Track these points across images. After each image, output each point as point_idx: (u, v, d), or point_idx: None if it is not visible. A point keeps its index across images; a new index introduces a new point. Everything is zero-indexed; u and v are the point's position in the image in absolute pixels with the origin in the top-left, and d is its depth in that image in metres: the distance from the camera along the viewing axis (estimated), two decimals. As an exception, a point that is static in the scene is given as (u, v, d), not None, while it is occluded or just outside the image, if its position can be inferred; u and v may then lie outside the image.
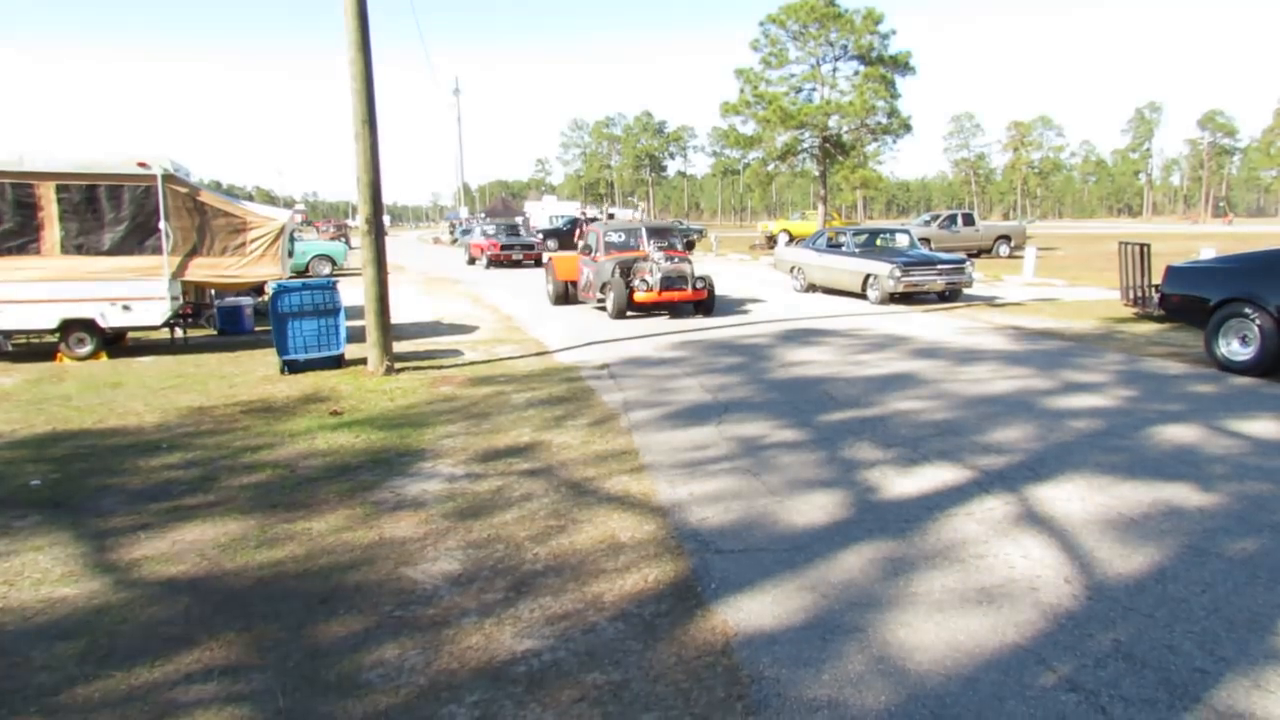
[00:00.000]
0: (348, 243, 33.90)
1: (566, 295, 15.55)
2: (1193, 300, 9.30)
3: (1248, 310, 8.48)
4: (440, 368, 9.37)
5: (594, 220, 35.61)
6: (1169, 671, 3.08)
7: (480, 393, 8.04)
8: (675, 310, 14.21)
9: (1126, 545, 4.20)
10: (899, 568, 3.99)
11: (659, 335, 11.68)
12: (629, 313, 13.85)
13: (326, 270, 24.08)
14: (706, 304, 13.81)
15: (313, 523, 4.67)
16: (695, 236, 53.03)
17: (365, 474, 5.54)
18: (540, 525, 4.60)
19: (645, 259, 13.67)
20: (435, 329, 12.88)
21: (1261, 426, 6.49)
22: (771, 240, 38.75)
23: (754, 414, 7.09)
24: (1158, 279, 10.93)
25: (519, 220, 43.42)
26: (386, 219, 10.28)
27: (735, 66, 38.74)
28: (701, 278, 13.73)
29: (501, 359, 9.98)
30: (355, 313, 11.13)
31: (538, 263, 26.67)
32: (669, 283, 13.22)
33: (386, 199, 9.98)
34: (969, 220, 30.16)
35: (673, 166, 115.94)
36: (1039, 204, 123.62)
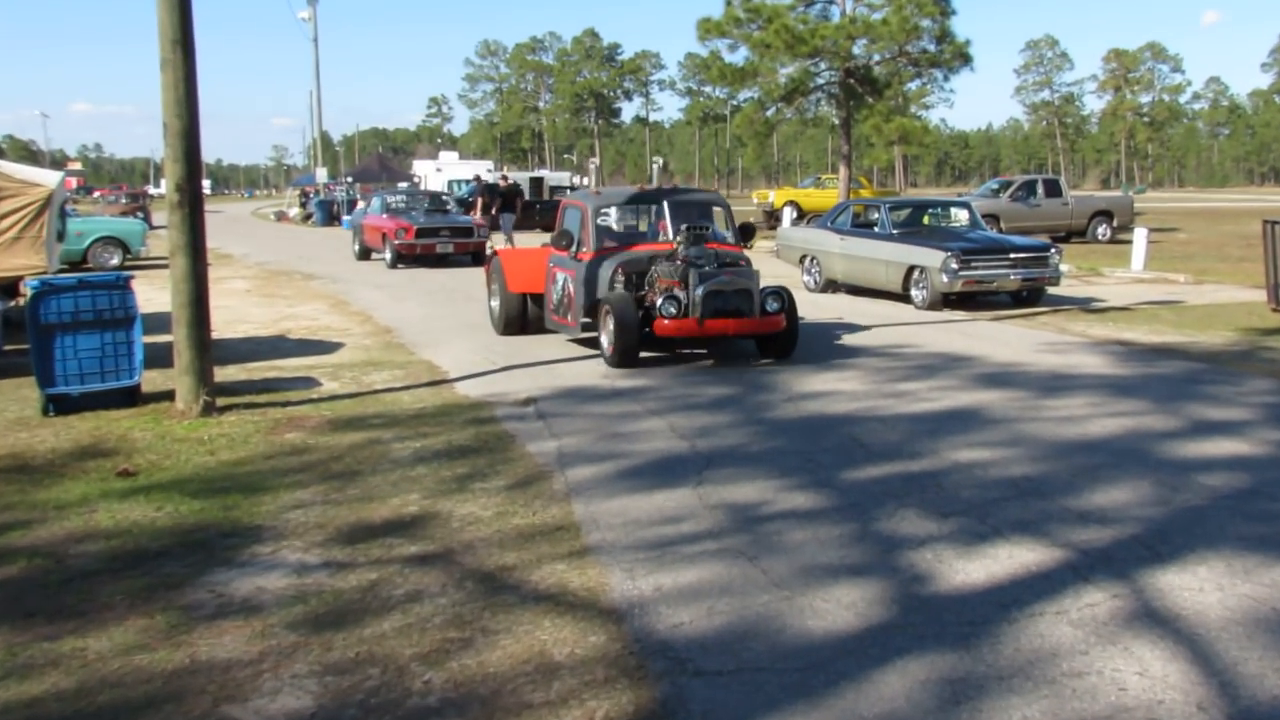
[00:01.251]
0: (148, 220, 33.61)
1: (524, 318, 13.27)
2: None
3: None
4: (285, 404, 9.27)
5: (509, 185, 33.28)
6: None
7: (345, 441, 7.96)
8: (724, 347, 12.04)
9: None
10: (962, 693, 3.99)
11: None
12: (644, 353, 11.39)
13: (115, 261, 23.77)
14: (783, 340, 11.39)
15: (89, 640, 4.55)
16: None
17: (171, 565, 5.43)
18: (434, 639, 4.53)
19: (672, 259, 11.15)
20: (278, 347, 12.76)
21: None
22: (774, 216, 39.11)
23: (750, 470, 7.10)
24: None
25: (553, 185, 42.52)
26: (206, 184, 9.83)
27: (720, -33, 39.23)
28: (776, 292, 11.12)
29: (377, 391, 9.91)
30: (159, 324, 10.97)
31: (477, 258, 23.24)
32: (719, 302, 10.67)
33: (208, 155, 9.89)
34: (1054, 189, 30.82)
35: (629, 110, 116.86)
36: (1151, 166, 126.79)
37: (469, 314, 15.66)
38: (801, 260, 18.69)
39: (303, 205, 56.52)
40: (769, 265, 22.02)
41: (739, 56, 38.99)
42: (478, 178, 43.42)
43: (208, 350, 8.99)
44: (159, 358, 10.09)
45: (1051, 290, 16.54)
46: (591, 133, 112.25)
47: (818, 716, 3.86)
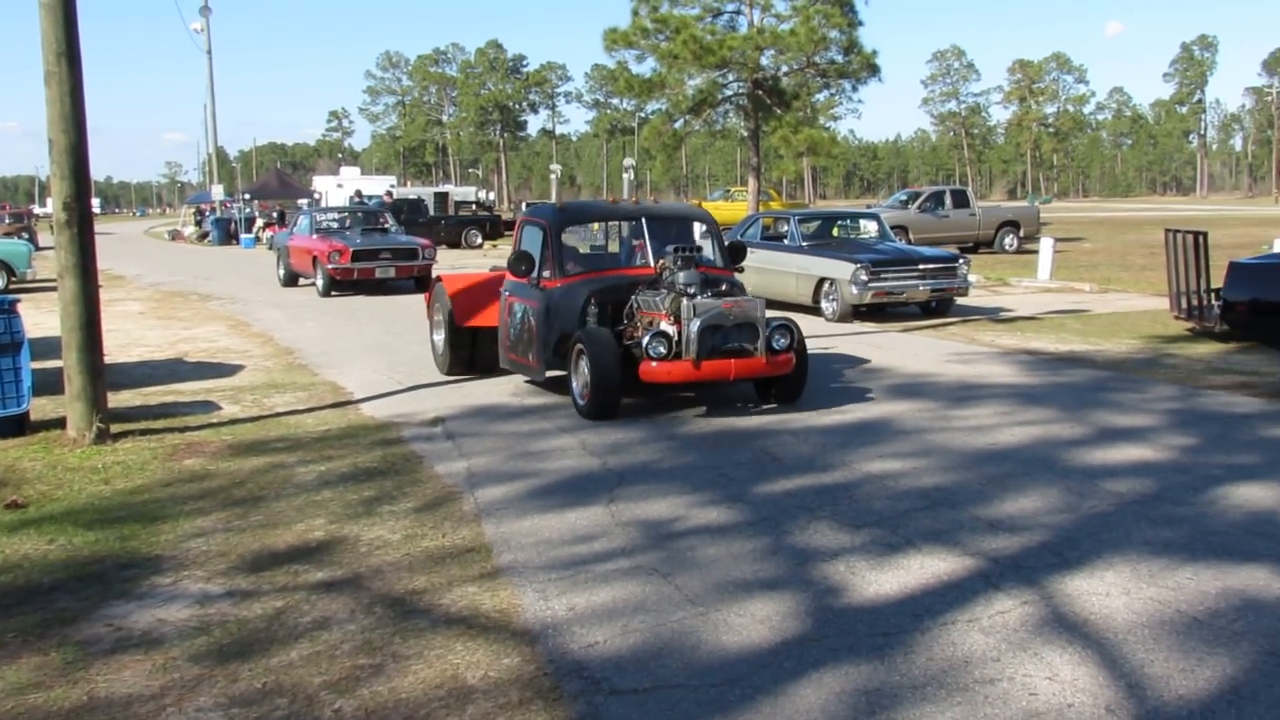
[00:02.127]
0: (33, 241, 32.78)
1: (473, 356, 11.53)
2: (1266, 309, 9.94)
3: (1339, 321, 9.11)
4: (184, 429, 9.13)
5: (393, 201, 32.28)
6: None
7: (247, 466, 7.86)
8: (719, 390, 10.27)
9: (1189, 655, 4.42)
10: (877, 703, 4.07)
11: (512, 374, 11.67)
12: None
13: (0, 284, 23.16)
14: (791, 383, 9.70)
15: (-19, 678, 4.45)
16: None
17: (65, 599, 5.32)
18: (344, 666, 4.50)
19: (656, 286, 9.57)
20: (175, 370, 12.54)
21: (1363, 483, 6.95)
22: (682, 231, 39.26)
23: (662, 486, 7.17)
24: (1219, 281, 11.64)
25: (383, 199, 41.58)
26: (96, 203, 9.41)
27: (626, -23, 39.42)
28: (783, 326, 9.29)
29: (279, 414, 9.79)
30: (49, 349, 10.73)
31: (421, 282, 20.65)
32: (718, 339, 8.93)
33: (97, 172, 9.72)
34: (961, 200, 31.47)
35: (535, 123, 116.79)
36: (1056, 176, 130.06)
37: (373, 333, 15.55)
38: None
39: (198, 224, 55.54)
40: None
41: (646, 68, 39.25)
42: (389, 193, 43.18)
43: (101, 375, 8.81)
44: (49, 384, 9.88)
45: (960, 301, 16.90)
46: (497, 146, 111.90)
47: (734, 731, 3.92)
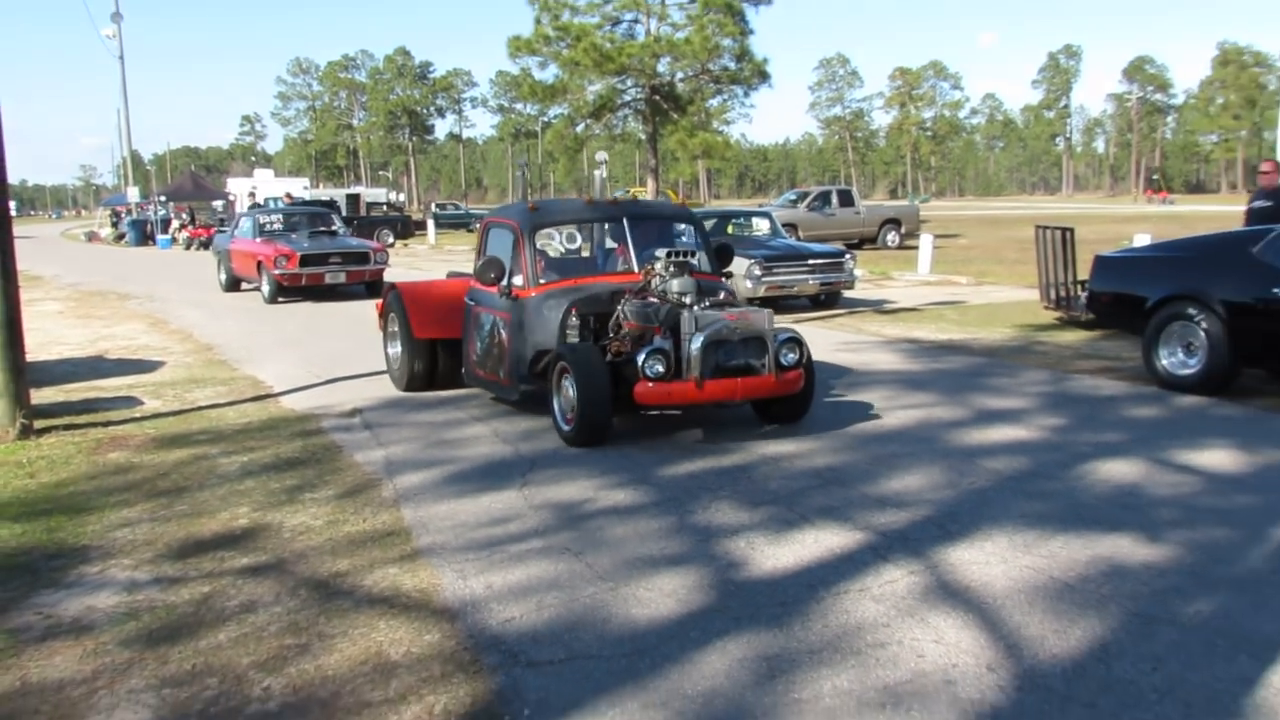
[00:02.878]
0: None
1: (433, 369, 9.98)
2: (1126, 300, 10.28)
3: (1192, 310, 9.45)
4: (107, 424, 8.92)
5: (291, 203, 31.18)
6: (1118, 774, 3.39)
7: (171, 458, 7.71)
8: (719, 410, 8.79)
9: (1061, 617, 4.58)
10: (777, 668, 4.16)
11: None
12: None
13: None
14: (797, 402, 8.24)
15: (-89, 668, 4.32)
16: (476, 225, 53.27)
17: (-6, 588, 5.18)
18: (271, 646, 4.47)
19: (643, 295, 8.08)
20: (97, 367, 12.23)
21: (1214, 458, 7.25)
22: (586, 229, 39.31)
23: (572, 469, 7.20)
24: (1084, 273, 11.99)
25: (369, 202, 40.49)
26: (11, 205, 8.85)
27: (528, -12, 39.22)
28: (791, 340, 7.85)
29: (201, 408, 9.61)
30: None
31: (373, 287, 19.09)
32: (722, 355, 7.51)
33: (12, 175, 9.42)
34: (847, 199, 31.95)
35: (442, 127, 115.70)
36: (934, 177, 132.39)
37: (289, 329, 15.31)
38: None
39: (114, 225, 54.10)
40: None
41: (549, 74, 39.29)
42: (288, 195, 42.34)
43: (22, 373, 8.56)
44: (-31, 381, 9.58)
45: (847, 294, 17.18)
46: (406, 149, 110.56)
47: (644, 698, 3.97)
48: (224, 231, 25.50)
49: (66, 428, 8.73)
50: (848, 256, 16.93)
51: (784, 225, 22.31)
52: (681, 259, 7.93)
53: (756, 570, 5.26)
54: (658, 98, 38.87)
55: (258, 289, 19.55)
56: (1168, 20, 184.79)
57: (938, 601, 4.79)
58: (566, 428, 7.76)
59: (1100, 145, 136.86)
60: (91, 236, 56.08)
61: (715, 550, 5.55)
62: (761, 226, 18.91)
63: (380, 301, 10.38)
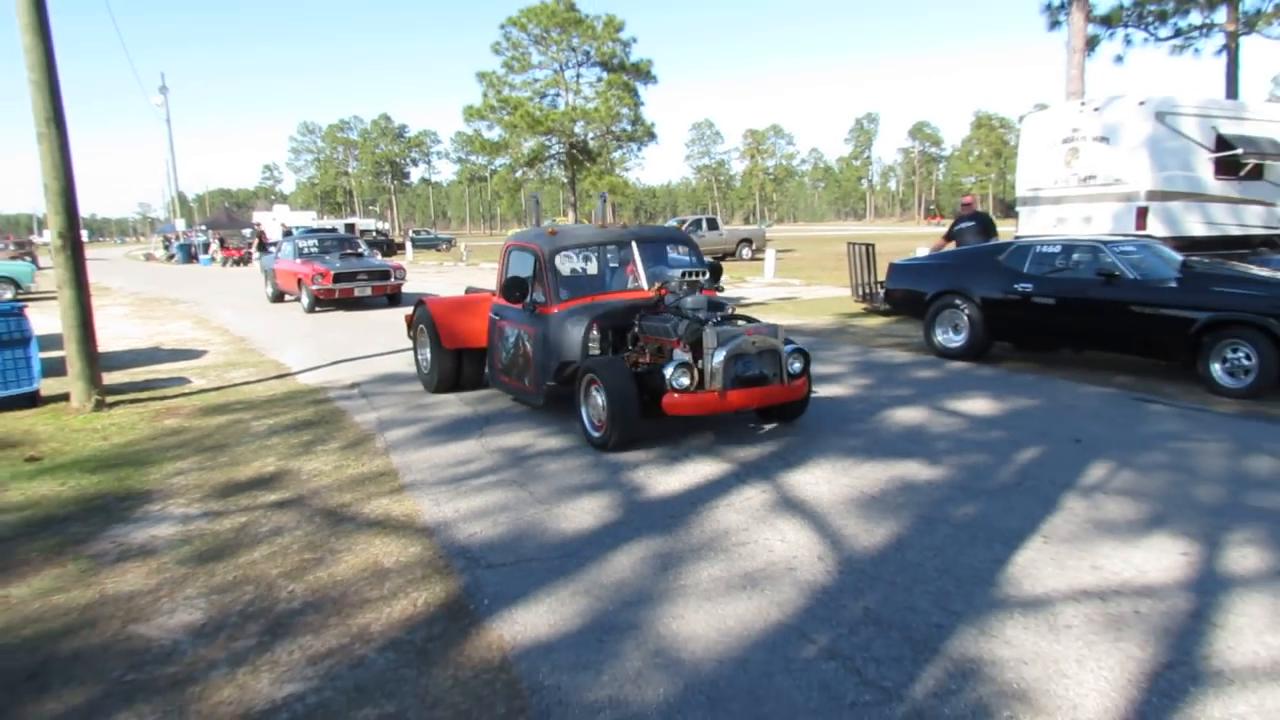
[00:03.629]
0: (35, 262, 30.00)
1: (458, 374, 8.50)
2: (912, 294, 10.50)
3: (958, 302, 9.72)
4: (164, 398, 8.56)
5: (259, 230, 30.41)
6: (911, 630, 3.48)
7: (214, 423, 7.44)
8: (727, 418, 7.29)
9: (870, 520, 4.68)
10: (668, 563, 4.18)
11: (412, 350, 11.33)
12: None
13: (9, 295, 21.14)
14: (799, 406, 6.87)
15: (10, 589, 4.11)
16: (444, 246, 52.12)
17: (77, 525, 4.95)
18: (294, 560, 4.35)
19: (655, 310, 6.84)
20: (154, 355, 11.72)
21: (974, 405, 7.47)
22: (525, 248, 38.96)
23: (518, 424, 7.12)
24: (882, 276, 12.22)
25: (362, 229, 39.24)
26: (84, 234, 8.08)
27: (478, 70, 38.67)
28: (798, 351, 6.56)
29: (236, 384, 9.28)
30: (54, 343, 9.91)
31: (393, 299, 18.07)
32: (741, 367, 6.25)
33: (84, 210, 8.96)
34: (713, 225, 32.09)
35: (416, 173, 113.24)
36: (775, 208, 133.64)
37: (304, 326, 14.88)
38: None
39: (166, 248, 51.94)
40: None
41: (495, 134, 38.68)
42: (284, 225, 41.30)
43: (96, 360, 8.18)
44: (56, 369, 9.13)
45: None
46: (389, 190, 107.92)
47: (572, 588, 3.96)
48: (269, 253, 23.28)
49: (131, 402, 8.36)
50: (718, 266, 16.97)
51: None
52: (694, 277, 6.72)
53: (652, 493, 5.27)
54: (575, 151, 38.61)
55: (298, 300, 18.25)
56: (940, 95, 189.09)
57: (782, 511, 4.86)
58: (597, 434, 6.32)
59: (893, 184, 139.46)
60: (148, 257, 53.72)
61: (622, 480, 5.55)
62: (652, 244, 18.90)
63: (409, 314, 8.99)
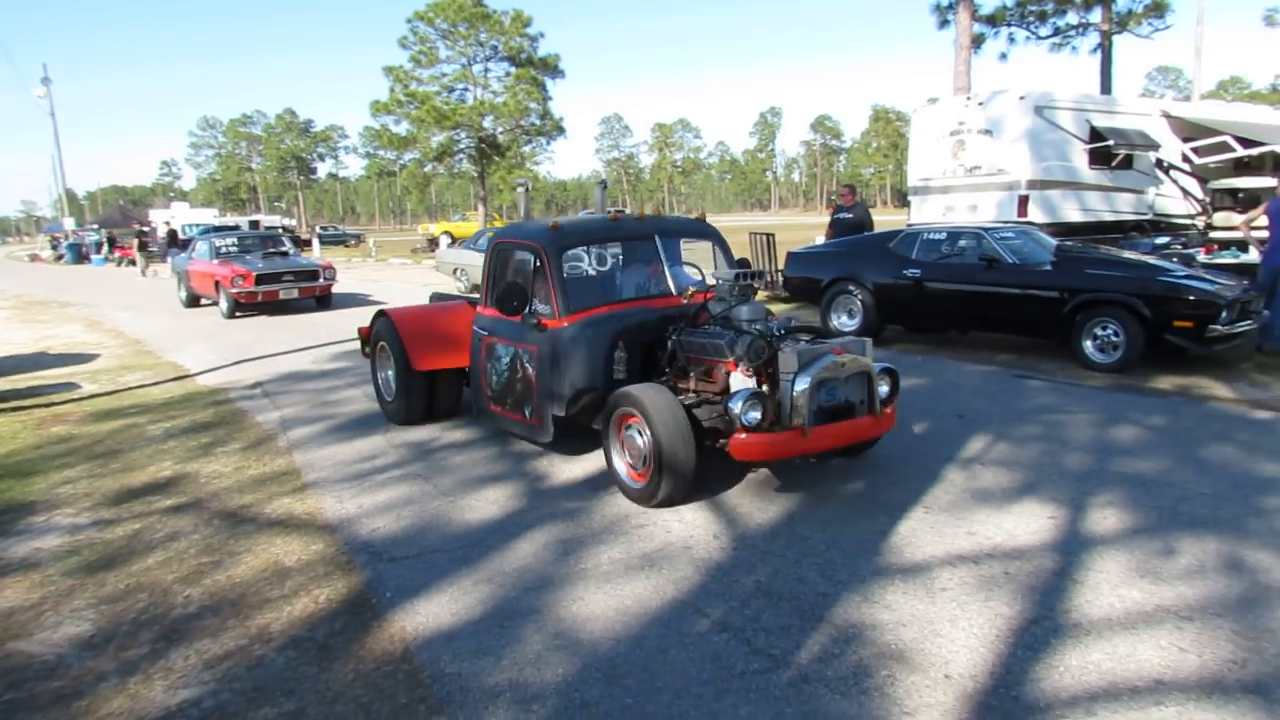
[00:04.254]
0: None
1: (432, 401, 6.82)
2: (809, 281, 10.76)
3: (851, 288, 10.02)
4: (50, 405, 8.16)
5: (170, 229, 27.78)
6: (799, 600, 3.61)
7: (105, 428, 7.13)
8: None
9: (763, 499, 4.81)
10: (570, 548, 4.23)
11: (320, 347, 11.09)
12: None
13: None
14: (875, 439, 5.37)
15: (-116, 605, 3.89)
16: (352, 242, 50.91)
17: (-45, 538, 4.70)
18: (191, 564, 4.23)
19: (700, 322, 5.34)
20: (40, 361, 11.14)
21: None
22: (434, 243, 38.35)
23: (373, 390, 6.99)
24: (783, 264, 12.48)
25: (267, 226, 37.22)
26: None
27: (384, 64, 37.90)
28: (886, 370, 5.00)
29: (130, 388, 8.91)
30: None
31: (323, 301, 16.24)
32: (826, 396, 4.75)
33: (-41, 210, 8.44)
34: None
35: (323, 169, 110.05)
36: (684, 200, 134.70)
37: (204, 325, 14.34)
38: (454, 271, 18.51)
39: (54, 248, 49.25)
40: (429, 275, 21.77)
41: (403, 129, 37.97)
42: (167, 224, 39.56)
43: (-25, 367, 7.75)
44: (-70, 377, 8.61)
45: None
46: (295, 186, 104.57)
47: (475, 576, 3.97)
48: (178, 253, 20.21)
49: (13, 410, 7.95)
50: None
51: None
52: (747, 281, 5.27)
53: (556, 481, 5.30)
54: (484, 145, 38.16)
55: (216, 305, 16.27)
56: (841, 89, 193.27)
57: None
58: (638, 485, 4.80)
59: (796, 176, 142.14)
60: (33, 258, 50.87)
61: (527, 469, 5.56)
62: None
63: (364, 327, 7.38)
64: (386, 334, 6.88)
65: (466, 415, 6.82)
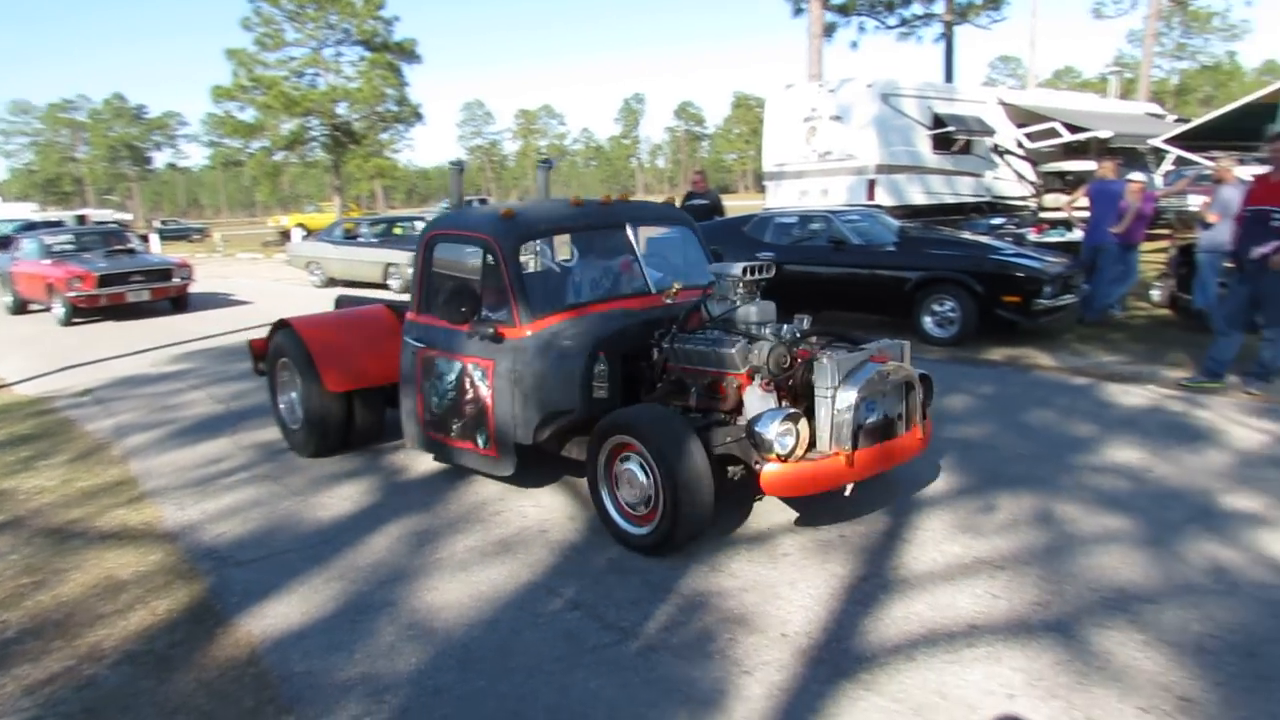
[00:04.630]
0: None
1: (348, 429, 5.72)
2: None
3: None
4: None
5: (52, 223, 25.79)
6: (650, 574, 3.76)
7: (-89, 445, 6.59)
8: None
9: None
10: (425, 539, 4.25)
11: (160, 349, 10.54)
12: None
13: None
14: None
15: None
16: (196, 237, 48.34)
17: None
18: (8, 588, 4.00)
19: (692, 326, 4.50)
20: None
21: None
22: (286, 235, 36.87)
23: (272, 420, 6.83)
24: (643, 250, 12.68)
25: (97, 221, 33.41)
26: None
27: (226, 47, 36.10)
28: (922, 377, 4.28)
29: (-60, 401, 8.25)
30: None
31: (179, 303, 14.74)
32: (868, 413, 3.95)
33: None
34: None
35: (160, 158, 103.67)
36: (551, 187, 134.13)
37: (30, 330, 13.34)
38: (307, 265, 17.94)
39: None
40: (281, 269, 20.94)
41: (249, 115, 36.29)
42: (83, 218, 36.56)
43: None
44: None
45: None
46: (128, 177, 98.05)
47: (327, 574, 3.94)
48: (6, 254, 16.72)
49: None
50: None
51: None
52: (755, 278, 4.43)
53: (412, 474, 5.29)
54: (338, 133, 36.96)
55: (49, 310, 14.17)
56: (704, 76, 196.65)
57: (537, 479, 5.00)
58: (641, 530, 3.98)
59: (661, 162, 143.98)
60: None
61: (382, 463, 5.52)
62: (420, 228, 18.55)
63: (259, 340, 6.27)
64: (290, 349, 5.69)
65: (393, 441, 5.81)
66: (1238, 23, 61.83)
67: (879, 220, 9.76)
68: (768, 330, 4.23)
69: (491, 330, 4.43)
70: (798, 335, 4.23)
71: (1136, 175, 10.51)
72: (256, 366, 6.31)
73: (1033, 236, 12.04)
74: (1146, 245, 10.67)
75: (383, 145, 40.98)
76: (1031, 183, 16.87)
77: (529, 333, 4.39)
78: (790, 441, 3.71)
